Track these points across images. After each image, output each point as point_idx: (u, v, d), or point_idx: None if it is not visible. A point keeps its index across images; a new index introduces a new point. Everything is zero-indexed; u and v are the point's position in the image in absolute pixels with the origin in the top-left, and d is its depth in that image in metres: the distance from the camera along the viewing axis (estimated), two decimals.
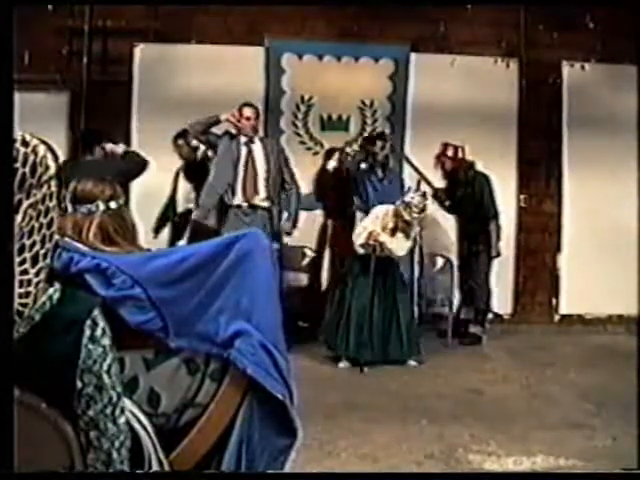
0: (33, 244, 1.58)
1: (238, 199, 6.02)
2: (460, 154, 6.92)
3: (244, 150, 6.08)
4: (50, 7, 7.08)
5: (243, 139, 6.08)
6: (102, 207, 2.01)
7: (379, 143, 6.59)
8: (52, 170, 1.61)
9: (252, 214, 6.01)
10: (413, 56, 7.55)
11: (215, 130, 6.13)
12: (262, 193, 6.03)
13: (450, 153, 6.89)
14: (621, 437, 4.23)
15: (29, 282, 1.57)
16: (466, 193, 6.82)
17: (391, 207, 6.08)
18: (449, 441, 4.24)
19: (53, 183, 1.61)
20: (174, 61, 7.24)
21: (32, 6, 6.35)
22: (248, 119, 6.05)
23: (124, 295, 1.83)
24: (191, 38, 7.34)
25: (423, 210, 5.91)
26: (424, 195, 6.01)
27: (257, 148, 6.12)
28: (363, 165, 6.76)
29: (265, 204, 6.04)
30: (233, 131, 6.11)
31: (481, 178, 6.87)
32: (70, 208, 2.03)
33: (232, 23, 7.32)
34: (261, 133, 6.57)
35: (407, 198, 5.93)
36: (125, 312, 1.82)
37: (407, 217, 5.90)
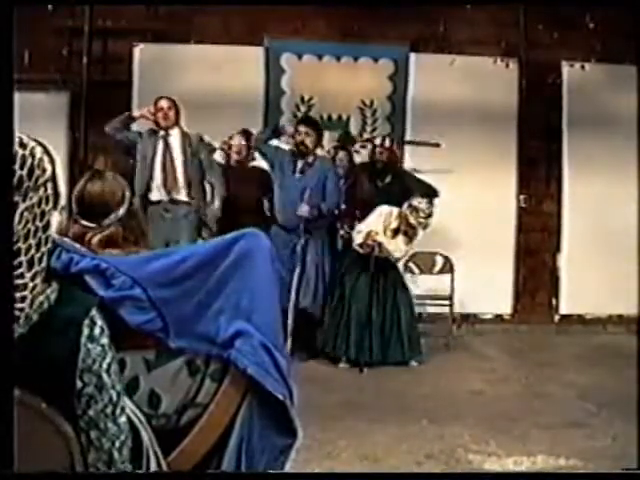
0: (29, 248, 1.57)
1: (157, 195, 5.91)
2: (394, 146, 6.89)
3: (161, 144, 5.98)
4: (50, 7, 7.08)
5: (161, 133, 6.00)
6: (115, 218, 2.01)
7: (300, 128, 6.35)
8: (49, 173, 1.60)
9: (173, 209, 5.90)
10: (413, 56, 7.57)
11: (138, 128, 6.09)
12: (181, 186, 5.91)
13: (388, 144, 6.85)
14: (621, 437, 4.23)
15: (25, 286, 1.57)
16: (393, 181, 6.69)
17: (395, 208, 6.10)
18: (449, 441, 4.25)
19: (49, 186, 1.61)
20: (174, 61, 7.25)
21: (32, 6, 6.35)
22: (161, 109, 5.96)
23: (124, 295, 1.83)
24: (191, 38, 7.35)
25: (430, 216, 5.92)
26: (431, 202, 6.00)
27: (174, 140, 6.01)
28: (274, 142, 6.56)
29: (185, 198, 5.92)
30: (153, 127, 6.05)
31: (406, 172, 6.89)
32: (80, 220, 2.02)
33: (232, 23, 7.33)
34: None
35: (415, 202, 5.94)
36: (125, 313, 1.82)
37: (413, 221, 5.91)
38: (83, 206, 2.04)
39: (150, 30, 7.29)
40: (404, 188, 6.51)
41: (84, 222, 2.02)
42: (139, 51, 7.30)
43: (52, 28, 7.10)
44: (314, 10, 7.31)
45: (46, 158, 1.60)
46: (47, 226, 1.60)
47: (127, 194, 2.09)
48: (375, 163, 6.59)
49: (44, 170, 1.59)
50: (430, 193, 6.56)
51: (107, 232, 2.00)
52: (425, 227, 6.11)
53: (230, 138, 6.44)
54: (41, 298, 1.62)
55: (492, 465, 3.95)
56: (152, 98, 7.02)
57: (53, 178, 1.61)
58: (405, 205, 6.06)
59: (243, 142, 6.44)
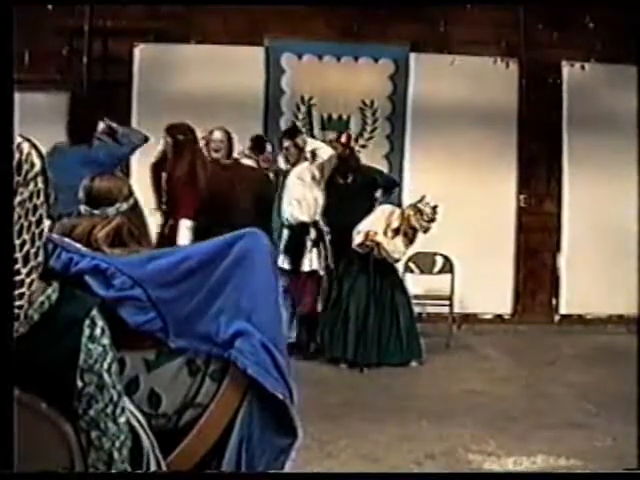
0: (23, 243, 1.57)
1: None
2: (352, 143, 6.78)
3: None
4: (50, 7, 7.08)
5: None
6: (120, 208, 2.02)
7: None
8: (37, 167, 1.60)
9: None
10: (413, 56, 7.57)
11: None
12: None
13: (344, 139, 6.75)
14: (621, 437, 4.23)
15: (22, 283, 1.56)
16: (355, 178, 6.54)
17: (397, 208, 6.10)
18: (449, 441, 4.25)
19: (39, 180, 1.60)
20: (174, 61, 7.25)
21: (32, 6, 6.35)
22: None
23: (124, 296, 1.83)
24: (191, 38, 7.35)
25: (432, 220, 5.92)
26: (435, 208, 5.98)
27: None
28: None
29: None
30: None
31: (365, 166, 6.75)
32: (83, 209, 2.03)
33: (232, 23, 7.33)
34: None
35: (420, 205, 5.94)
36: (125, 313, 1.82)
37: (415, 223, 5.91)
38: (90, 197, 2.06)
39: (150, 30, 7.29)
40: (368, 183, 6.47)
41: (89, 209, 2.04)
42: (139, 51, 7.30)
43: (52, 28, 7.10)
44: (314, 10, 7.31)
45: (34, 152, 1.59)
46: (40, 220, 1.59)
47: (133, 192, 2.11)
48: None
49: (32, 164, 1.58)
50: (391, 184, 6.56)
51: (113, 224, 2.01)
52: (426, 231, 6.08)
53: (210, 133, 6.33)
54: (42, 298, 1.62)
55: (492, 465, 3.95)
56: (152, 98, 7.06)
57: (43, 172, 1.60)
58: (409, 206, 6.05)
59: (224, 138, 6.28)
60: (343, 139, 6.71)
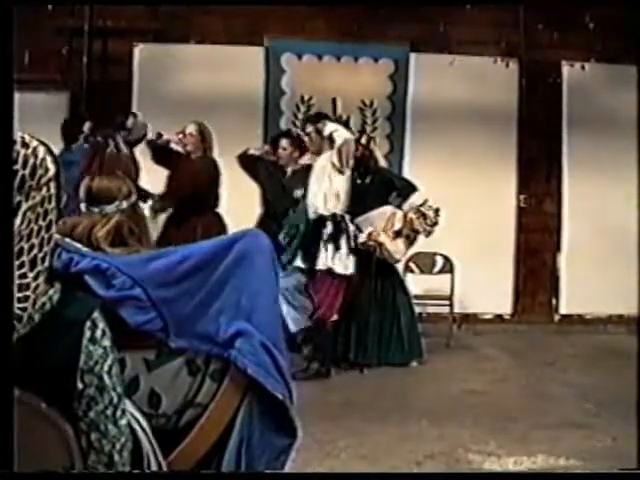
0: (32, 247, 1.57)
1: None
2: (371, 145, 6.65)
3: None
4: (50, 7, 7.09)
5: None
6: (120, 207, 2.03)
7: None
8: (51, 172, 1.60)
9: None
10: (413, 56, 7.57)
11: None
12: None
13: (364, 141, 6.70)
14: (621, 437, 4.23)
15: (27, 286, 1.57)
16: (374, 179, 6.45)
17: (399, 210, 6.08)
18: (449, 441, 4.25)
19: (52, 185, 1.60)
20: (174, 61, 7.26)
21: (32, 6, 6.36)
22: None
23: (124, 296, 1.83)
24: (190, 38, 7.36)
25: (435, 224, 5.91)
26: (437, 212, 5.96)
27: None
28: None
29: None
30: None
31: (385, 169, 6.71)
32: (84, 208, 2.03)
33: (232, 23, 7.33)
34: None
35: (423, 208, 5.92)
36: (125, 313, 1.82)
37: (418, 227, 5.89)
38: (90, 196, 2.07)
39: (150, 30, 7.29)
40: (386, 185, 6.41)
41: (89, 207, 2.05)
42: (139, 51, 7.30)
43: (52, 28, 7.10)
44: (314, 10, 7.31)
45: (49, 157, 1.60)
46: (50, 225, 1.60)
47: (133, 192, 2.12)
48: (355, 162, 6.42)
49: (47, 169, 1.59)
50: (410, 188, 6.52)
51: (113, 222, 2.02)
52: (428, 235, 6.05)
53: (185, 128, 6.28)
54: (43, 299, 1.62)
55: (492, 465, 3.95)
56: (152, 98, 7.06)
57: (56, 177, 1.61)
58: (412, 209, 6.04)
59: (194, 133, 6.24)
60: (363, 140, 6.66)
